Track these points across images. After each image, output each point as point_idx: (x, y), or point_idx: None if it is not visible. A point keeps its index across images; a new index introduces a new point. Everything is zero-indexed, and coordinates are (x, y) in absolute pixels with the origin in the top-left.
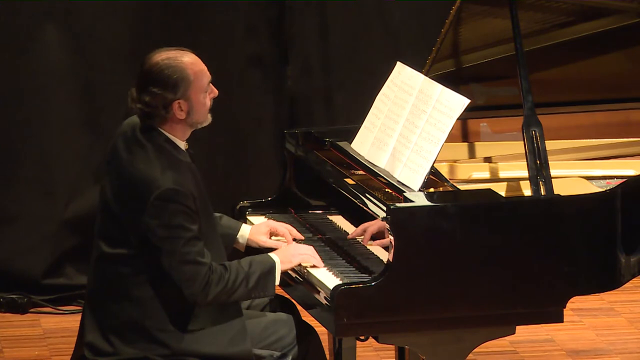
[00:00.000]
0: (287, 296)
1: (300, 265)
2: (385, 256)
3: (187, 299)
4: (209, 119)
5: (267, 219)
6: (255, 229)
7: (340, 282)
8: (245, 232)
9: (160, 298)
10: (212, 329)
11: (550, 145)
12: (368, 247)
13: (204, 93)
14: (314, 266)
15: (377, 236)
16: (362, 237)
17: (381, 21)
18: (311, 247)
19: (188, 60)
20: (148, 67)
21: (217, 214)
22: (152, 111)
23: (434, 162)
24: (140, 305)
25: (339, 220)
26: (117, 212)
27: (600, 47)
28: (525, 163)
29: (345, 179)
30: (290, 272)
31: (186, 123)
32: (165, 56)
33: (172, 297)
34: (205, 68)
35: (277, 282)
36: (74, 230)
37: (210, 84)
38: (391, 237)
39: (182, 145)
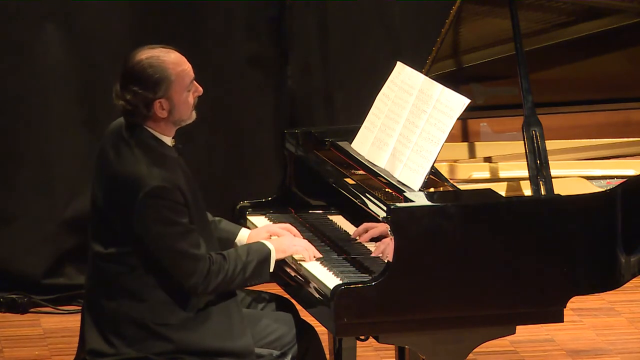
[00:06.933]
0: (287, 296)
1: (299, 264)
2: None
3: (188, 292)
4: (193, 116)
5: (267, 218)
6: (254, 233)
7: (340, 282)
8: (243, 237)
9: (159, 292)
10: (213, 322)
11: (550, 145)
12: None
13: (187, 92)
14: (303, 260)
15: (377, 240)
16: (362, 235)
17: (381, 21)
18: (306, 241)
19: (170, 59)
20: (131, 65)
21: (217, 218)
22: (133, 109)
23: (434, 162)
24: (140, 301)
25: (339, 220)
26: (108, 213)
27: (600, 47)
28: (526, 163)
29: (346, 179)
30: (290, 271)
31: (169, 121)
32: (149, 55)
33: (171, 290)
34: (189, 67)
35: (272, 269)
36: (74, 230)
37: (194, 82)
38: (391, 237)
39: (169, 141)
